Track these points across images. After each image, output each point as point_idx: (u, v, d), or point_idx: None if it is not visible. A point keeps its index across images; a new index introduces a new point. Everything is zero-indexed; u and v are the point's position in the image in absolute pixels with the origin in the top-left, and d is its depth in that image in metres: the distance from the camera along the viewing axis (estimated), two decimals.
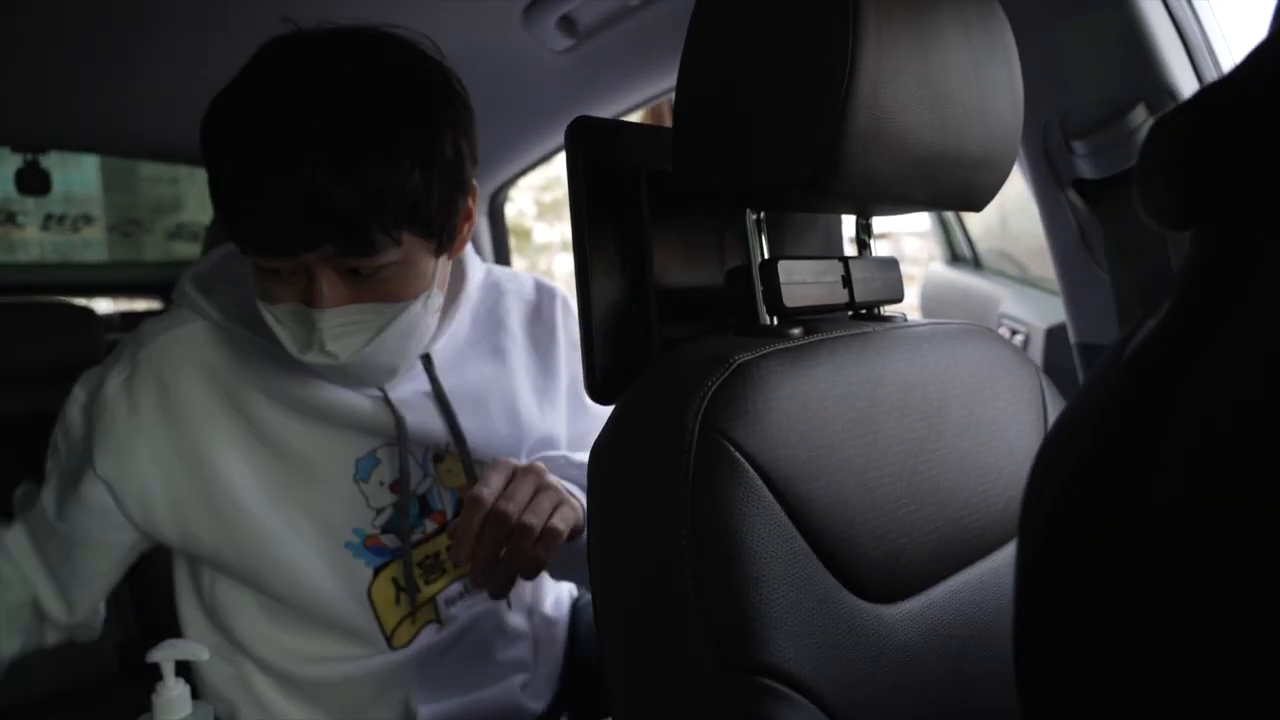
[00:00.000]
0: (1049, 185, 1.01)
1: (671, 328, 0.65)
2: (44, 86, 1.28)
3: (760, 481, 0.50)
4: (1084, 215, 0.99)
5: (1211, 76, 0.86)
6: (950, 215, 2.19)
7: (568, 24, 1.13)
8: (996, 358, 0.69)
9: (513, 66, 1.26)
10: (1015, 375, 0.70)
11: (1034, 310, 1.63)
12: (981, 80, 0.59)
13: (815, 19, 0.51)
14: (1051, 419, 0.72)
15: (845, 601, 0.52)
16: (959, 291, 2.08)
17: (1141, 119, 0.87)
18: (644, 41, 1.17)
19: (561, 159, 0.64)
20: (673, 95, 0.60)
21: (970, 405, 0.65)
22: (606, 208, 0.62)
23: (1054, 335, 1.50)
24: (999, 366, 0.69)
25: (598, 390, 0.61)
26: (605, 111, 1.35)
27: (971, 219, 2.15)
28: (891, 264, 0.72)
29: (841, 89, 0.50)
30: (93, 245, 2.50)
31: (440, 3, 1.08)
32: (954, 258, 2.21)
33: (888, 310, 0.72)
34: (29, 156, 1.71)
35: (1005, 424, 0.67)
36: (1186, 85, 0.86)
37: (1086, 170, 0.95)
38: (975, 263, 2.13)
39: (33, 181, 1.73)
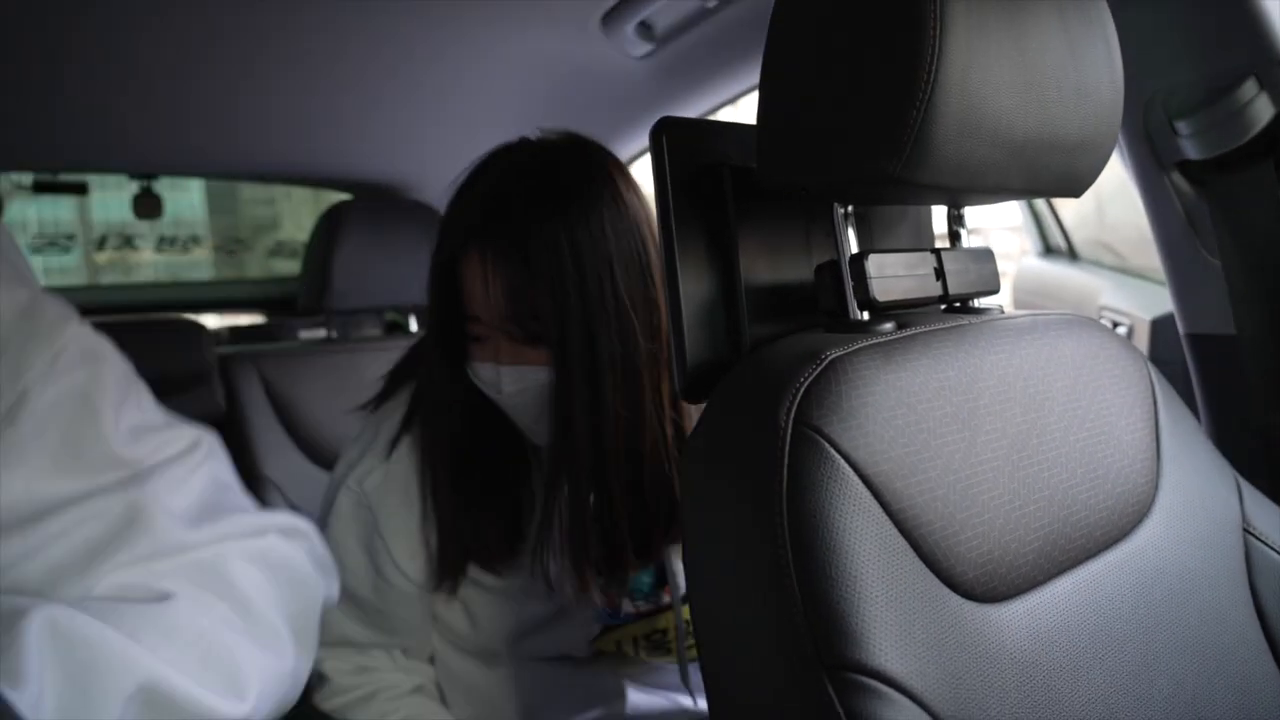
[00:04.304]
0: (1151, 168, 0.96)
1: (761, 325, 0.64)
2: (156, 115, 1.36)
3: (856, 478, 0.49)
4: (1190, 199, 0.94)
5: None
6: (1042, 205, 2.12)
7: (646, 29, 1.14)
8: (1101, 348, 0.67)
9: (593, 74, 1.28)
10: (1122, 366, 0.67)
11: (1136, 301, 1.56)
12: (1078, 60, 0.57)
13: (900, 3, 0.50)
14: (1163, 412, 0.68)
15: (948, 601, 0.51)
16: (1055, 284, 2.01)
17: (1251, 94, 0.83)
18: (722, 42, 1.17)
19: (641, 164, 0.65)
20: (754, 93, 0.60)
21: (1074, 398, 0.62)
22: (692, 207, 0.62)
23: (1159, 326, 1.44)
24: (1104, 357, 0.66)
25: (689, 389, 0.61)
26: (686, 113, 1.35)
27: (1064, 209, 2.08)
28: (986, 255, 0.70)
29: (929, 75, 0.49)
30: (199, 265, 2.64)
31: (520, 13, 1.10)
32: (1047, 249, 2.14)
33: (983, 303, 0.70)
34: (144, 182, 1.82)
35: (1113, 417, 0.64)
36: None
37: (1191, 151, 0.90)
38: (1071, 254, 2.06)
39: (147, 206, 1.84)
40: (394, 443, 0.89)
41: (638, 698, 0.93)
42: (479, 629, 0.92)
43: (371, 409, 0.95)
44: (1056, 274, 2.02)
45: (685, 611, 0.86)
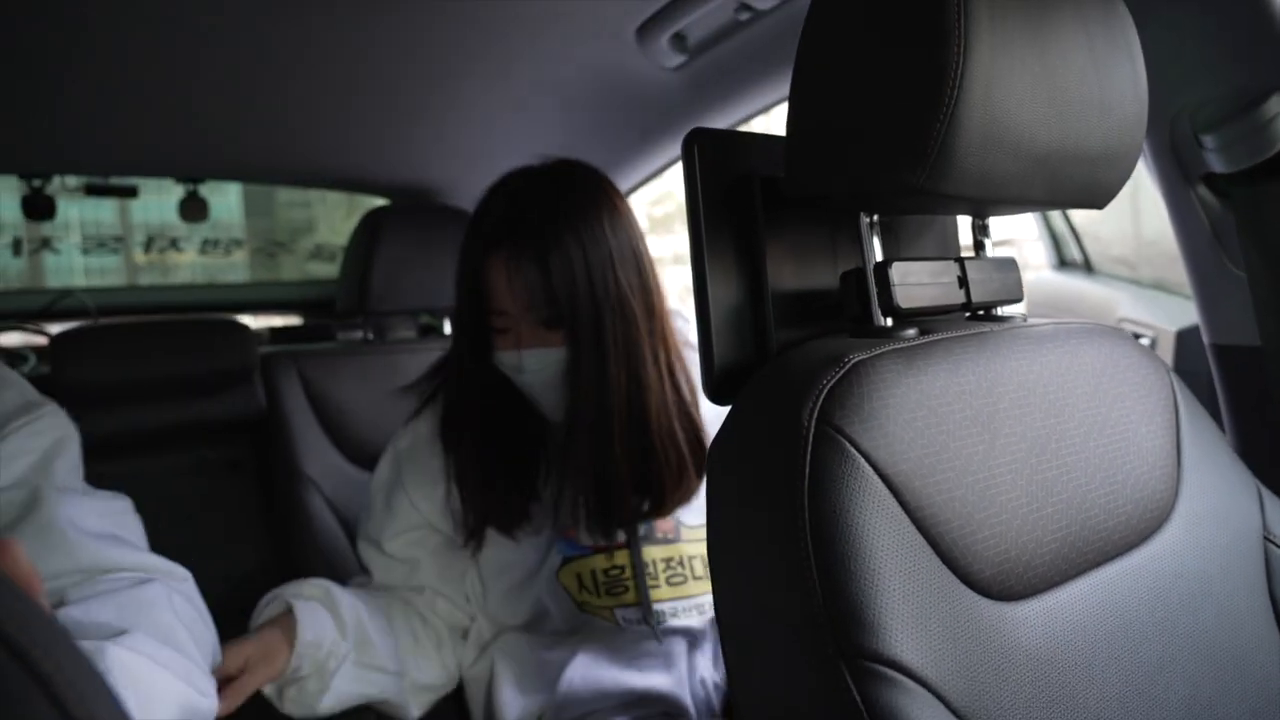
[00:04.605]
0: (1176, 181, 0.97)
1: (787, 330, 0.66)
2: (204, 121, 1.40)
3: (876, 477, 0.51)
4: (1215, 211, 0.95)
5: None
6: (1057, 217, 2.11)
7: (679, 41, 1.16)
8: (1123, 356, 0.68)
9: (626, 84, 1.30)
10: (1143, 375, 0.68)
11: (1158, 313, 1.56)
12: (1102, 74, 0.59)
13: (925, 21, 0.51)
14: (1185, 420, 0.69)
15: (964, 597, 0.53)
16: (1070, 297, 2.00)
17: (1278, 109, 0.83)
18: (754, 55, 1.19)
19: (671, 172, 0.67)
20: (784, 104, 0.62)
21: (1095, 404, 0.64)
22: (722, 215, 0.64)
23: (1184, 338, 1.44)
24: (1125, 365, 0.68)
25: (716, 390, 0.63)
26: (717, 124, 1.38)
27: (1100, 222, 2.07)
28: (1009, 264, 0.71)
29: (953, 89, 0.50)
30: (235, 266, 2.70)
31: (557, 23, 1.13)
32: (1062, 262, 2.13)
33: (1005, 311, 0.71)
34: (190, 186, 1.88)
35: (1134, 424, 0.66)
36: None
37: (1217, 164, 0.91)
38: (1086, 266, 2.05)
39: (193, 209, 1.89)
40: (419, 408, 1.09)
41: (619, 674, 1.00)
42: (487, 591, 1.05)
43: (418, 393, 1.12)
44: (1071, 286, 2.01)
45: (646, 553, 1.02)
